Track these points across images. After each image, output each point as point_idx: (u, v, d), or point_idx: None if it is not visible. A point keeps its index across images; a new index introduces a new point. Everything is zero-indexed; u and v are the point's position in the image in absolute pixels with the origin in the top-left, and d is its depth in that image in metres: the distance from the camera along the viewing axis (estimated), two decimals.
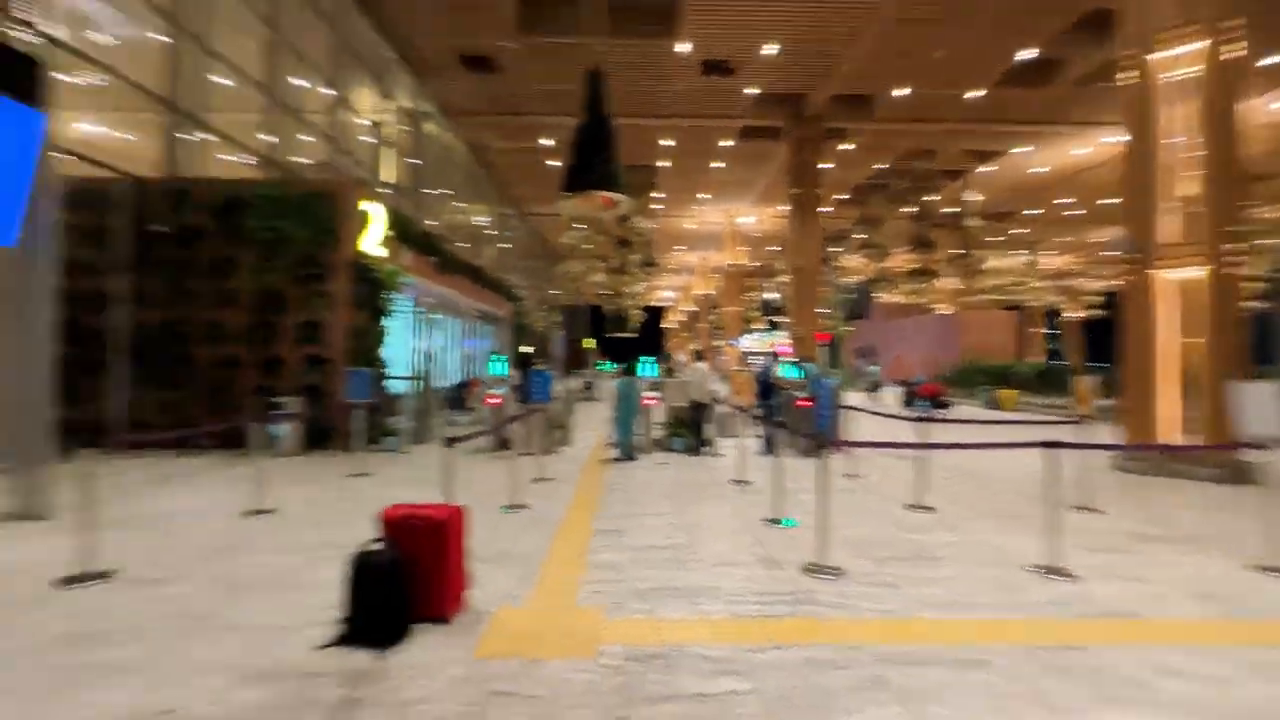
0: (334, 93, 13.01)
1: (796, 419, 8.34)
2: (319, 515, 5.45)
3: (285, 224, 8.84)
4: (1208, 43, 7.51)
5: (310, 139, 12.40)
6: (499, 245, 26.40)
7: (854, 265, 33.70)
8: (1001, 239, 31.76)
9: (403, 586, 2.93)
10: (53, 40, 7.83)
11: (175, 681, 2.60)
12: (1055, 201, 25.99)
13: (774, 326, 32.18)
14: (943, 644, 3.05)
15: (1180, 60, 7.77)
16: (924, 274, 27.17)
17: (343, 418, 8.54)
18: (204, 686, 2.56)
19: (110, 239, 8.69)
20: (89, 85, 10.12)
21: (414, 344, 14.17)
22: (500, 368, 9.25)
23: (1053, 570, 4.08)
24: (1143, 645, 3.05)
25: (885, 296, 37.52)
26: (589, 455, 9.12)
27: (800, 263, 19.00)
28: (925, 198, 24.73)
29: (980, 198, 23.49)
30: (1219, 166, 7.47)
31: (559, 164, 19.88)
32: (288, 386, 8.86)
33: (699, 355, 9.58)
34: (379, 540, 3.03)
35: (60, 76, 7.33)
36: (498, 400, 8.83)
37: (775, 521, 5.26)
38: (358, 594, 2.89)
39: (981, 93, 15.95)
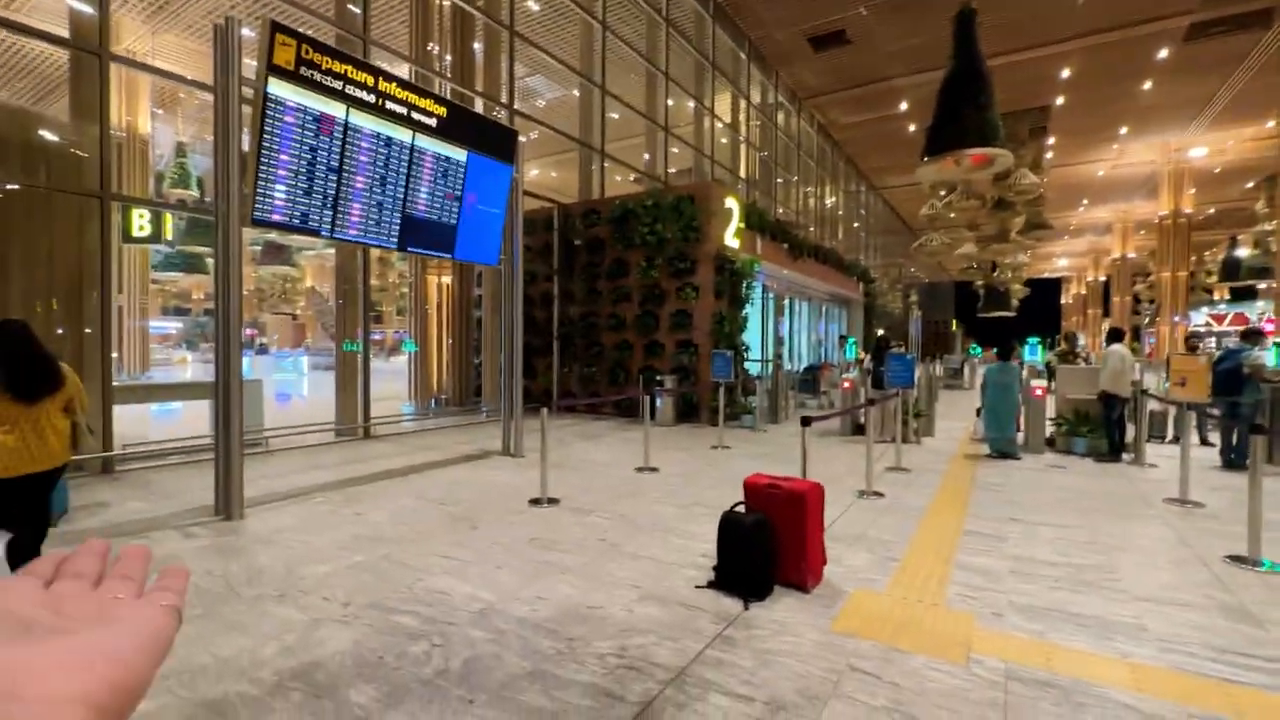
0: (696, 104, 14.52)
1: None
2: (690, 476, 6.28)
3: (661, 227, 10.33)
4: None
5: (678, 150, 14.14)
6: (850, 225, 25.55)
7: None
8: None
9: (765, 547, 3.19)
10: (516, 111, 10.71)
11: (601, 588, 3.40)
12: None
13: (1248, 294, 23.12)
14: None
15: None
16: None
17: (707, 395, 9.61)
18: (619, 597, 3.27)
19: (548, 253, 11.58)
20: (531, 138, 13.53)
21: (769, 328, 14.89)
22: (851, 351, 9.03)
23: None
24: None
25: None
26: (955, 449, 8.18)
27: None
28: None
29: None
30: None
31: (917, 129, 18.08)
32: (666, 367, 10.39)
33: (1116, 335, 7.55)
34: (743, 504, 3.35)
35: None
36: (849, 384, 8.65)
37: (1247, 561, 3.87)
38: (727, 548, 3.26)
39: None
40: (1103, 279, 41.83)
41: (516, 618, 3.02)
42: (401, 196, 5.79)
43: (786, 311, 16.60)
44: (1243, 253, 25.85)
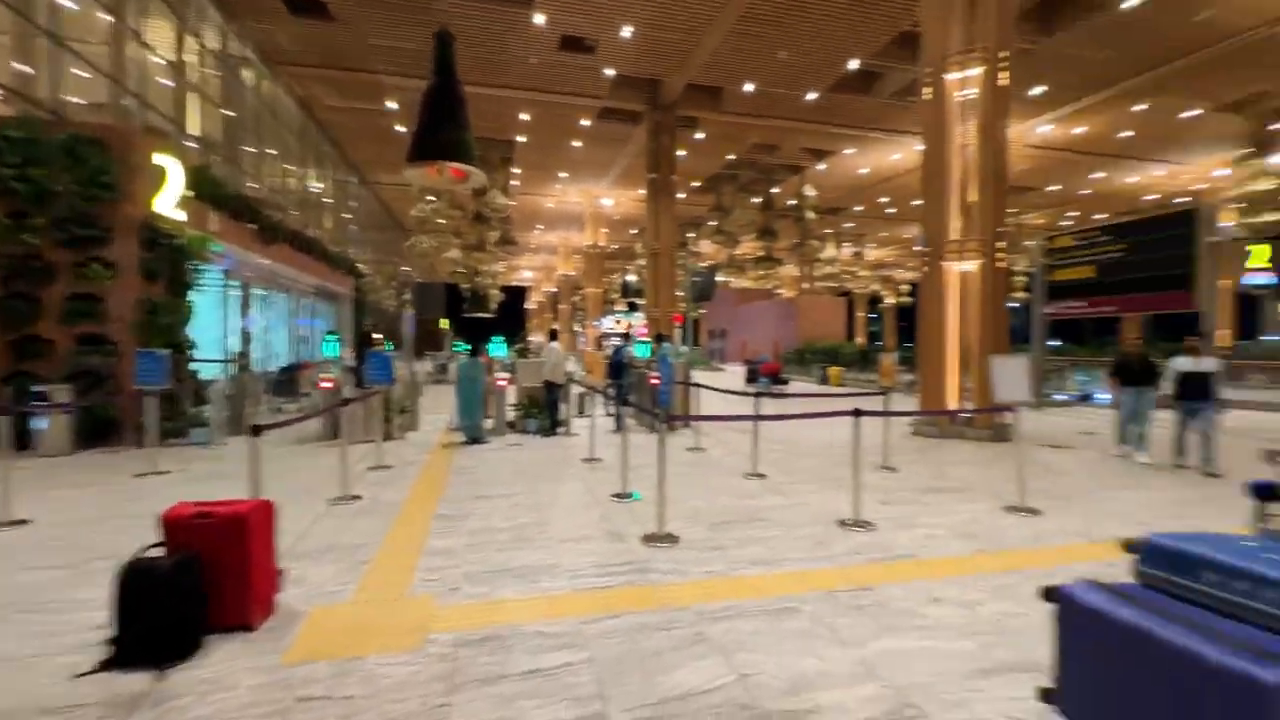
0: (114, 19, 10.89)
1: (645, 396, 8.60)
2: (91, 522, 4.64)
3: (43, 174, 7.30)
4: (984, 69, 8.79)
5: (89, 76, 10.30)
6: (339, 215, 24.05)
7: (707, 251, 35.43)
8: (832, 231, 35.11)
9: (190, 592, 2.58)
10: None
11: None
12: (879, 200, 29.24)
13: (633, 308, 33.01)
14: (759, 597, 3.34)
15: (966, 82, 9.02)
16: (769, 260, 29.31)
17: (132, 408, 7.34)
18: None
19: None
20: None
21: (234, 322, 12.52)
22: (333, 348, 8.48)
23: (857, 523, 4.64)
24: (918, 581, 3.58)
25: (734, 281, 39.99)
26: (436, 440, 8.71)
27: (656, 246, 19.54)
28: (770, 190, 26.57)
29: (815, 192, 25.68)
30: (991, 176, 8.83)
31: (406, 130, 18.48)
32: (56, 372, 7.40)
33: (553, 335, 9.51)
34: (159, 545, 2.64)
35: None
36: (330, 383, 8.09)
37: (623, 496, 5.41)
38: (130, 607, 2.49)
39: (816, 95, 17.36)
40: (554, 290, 52.44)
41: None
42: None
43: (261, 304, 14.35)
44: (631, 278, 36.81)
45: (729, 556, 3.97)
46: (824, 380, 20.82)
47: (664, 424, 4.72)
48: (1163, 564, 1.67)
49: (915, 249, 34.75)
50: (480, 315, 28.54)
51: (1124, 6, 12.91)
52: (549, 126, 20.03)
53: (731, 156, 23.30)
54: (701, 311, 46.37)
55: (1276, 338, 25.95)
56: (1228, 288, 23.92)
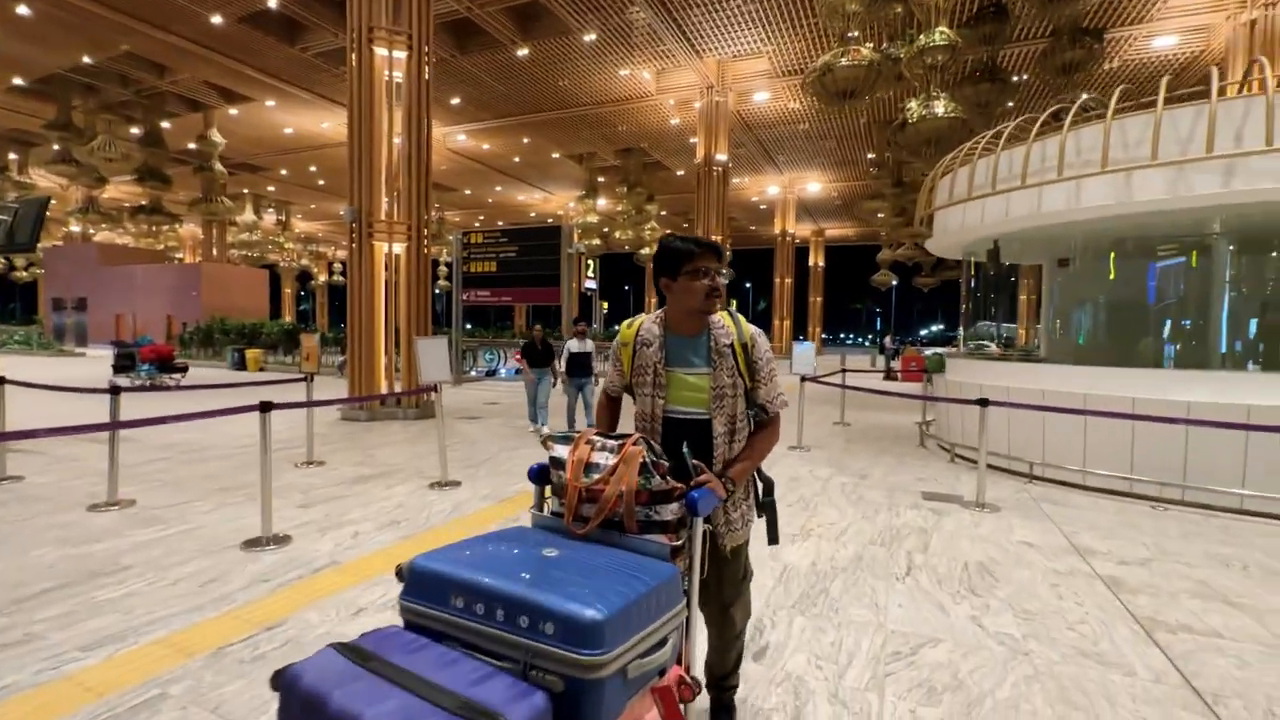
0: None
1: None
2: None
3: None
4: (409, 55, 8.91)
5: None
6: None
7: (46, 185, 24.81)
8: (253, 192, 30.27)
9: None
10: None
11: None
12: (310, 170, 26.70)
13: None
14: (95, 701, 2.20)
15: (394, 64, 8.94)
16: (159, 215, 22.65)
17: None
18: None
19: None
20: None
21: None
22: None
23: (269, 540, 3.80)
24: (342, 593, 3.12)
25: (103, 235, 29.54)
26: None
27: None
28: (159, 123, 20.40)
29: (224, 141, 21.32)
30: (417, 164, 9.07)
31: None
32: None
33: None
34: None
35: None
36: None
37: None
38: None
39: (220, 20, 14.18)
40: None
41: None
42: None
43: None
44: None
45: (47, 650, 2.53)
46: (240, 365, 17.65)
47: None
48: (420, 592, 1.32)
49: (346, 221, 33.77)
50: None
51: (516, 53, 15.62)
52: None
53: (89, 60, 16.68)
54: (36, 270, 32.67)
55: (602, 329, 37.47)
56: (575, 289, 33.08)
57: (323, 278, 46.27)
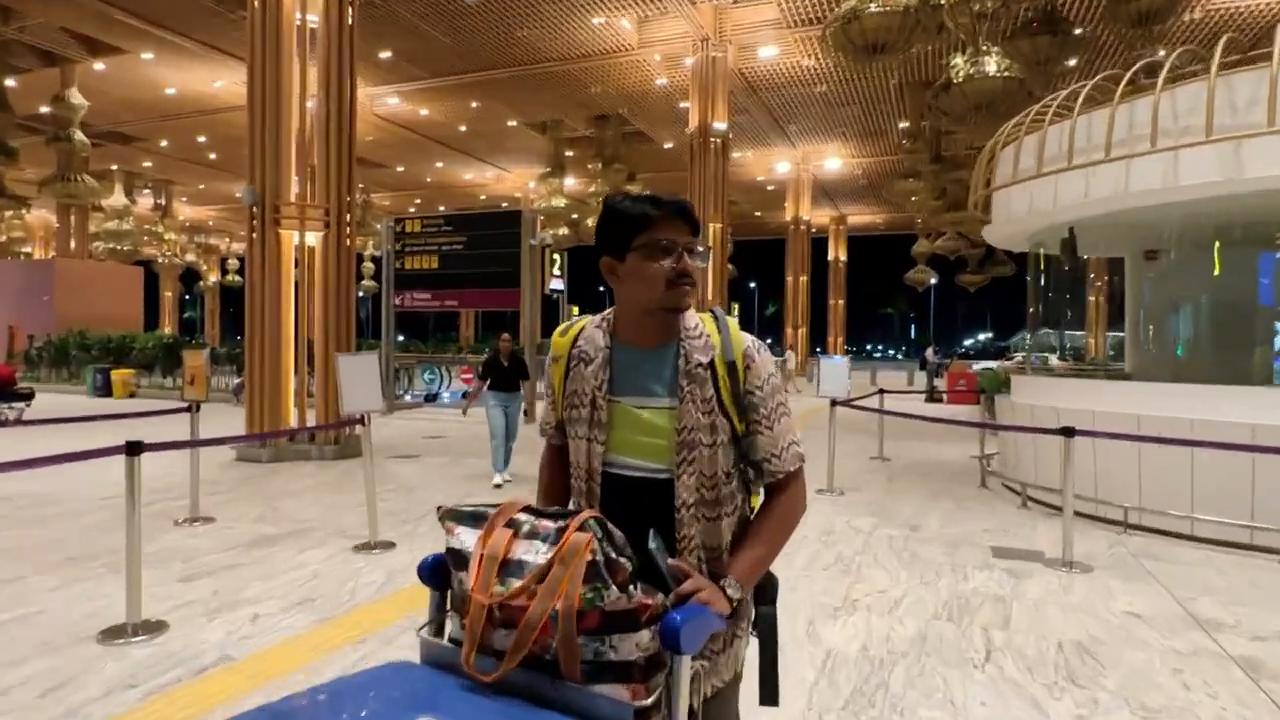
0: None
1: None
2: None
3: None
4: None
5: None
6: None
7: None
8: (124, 169, 29.73)
9: None
10: None
11: None
12: (198, 140, 26.32)
13: None
14: None
15: (307, 3, 8.81)
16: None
17: None
18: None
19: None
20: None
21: None
22: None
23: (137, 628, 3.54)
24: (234, 700, 2.89)
25: None
26: None
27: None
28: (3, 80, 19.95)
29: (86, 103, 20.89)
30: (338, 132, 8.91)
31: None
32: None
33: None
34: None
35: None
36: None
37: None
38: None
39: None
40: None
41: None
42: None
43: None
44: None
45: None
46: (105, 390, 17.14)
47: None
48: None
49: (245, 204, 33.35)
50: None
51: None
52: None
53: None
54: None
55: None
56: (539, 290, 32.99)
57: (213, 277, 45.45)
